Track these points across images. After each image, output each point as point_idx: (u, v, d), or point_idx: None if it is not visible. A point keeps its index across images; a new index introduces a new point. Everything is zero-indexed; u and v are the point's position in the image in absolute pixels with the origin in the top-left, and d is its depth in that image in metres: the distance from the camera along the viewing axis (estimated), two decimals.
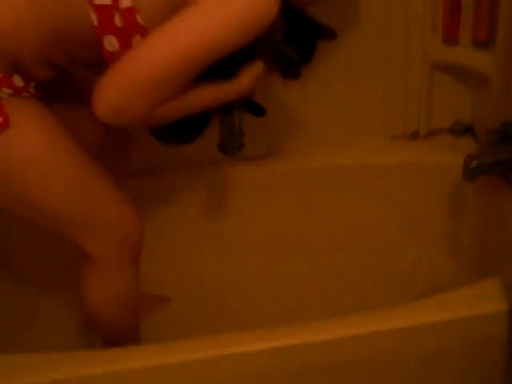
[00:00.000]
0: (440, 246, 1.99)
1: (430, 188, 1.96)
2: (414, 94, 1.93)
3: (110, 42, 1.18)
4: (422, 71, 1.89)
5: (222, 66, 1.23)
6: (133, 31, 1.17)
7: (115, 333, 1.52)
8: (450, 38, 1.83)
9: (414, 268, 1.99)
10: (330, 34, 1.55)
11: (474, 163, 1.65)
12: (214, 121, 1.48)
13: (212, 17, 1.14)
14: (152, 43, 1.16)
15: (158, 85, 1.17)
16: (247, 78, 1.30)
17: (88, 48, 1.20)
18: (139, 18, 1.17)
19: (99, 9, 1.15)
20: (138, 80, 1.15)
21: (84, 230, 1.34)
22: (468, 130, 1.97)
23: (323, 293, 1.91)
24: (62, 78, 1.36)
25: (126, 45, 1.18)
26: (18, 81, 1.20)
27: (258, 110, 1.53)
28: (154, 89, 1.17)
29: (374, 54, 1.88)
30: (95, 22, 1.16)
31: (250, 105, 1.51)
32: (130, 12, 1.15)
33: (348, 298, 1.87)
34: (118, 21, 1.16)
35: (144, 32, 1.17)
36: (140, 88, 1.16)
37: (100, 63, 1.21)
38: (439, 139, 1.99)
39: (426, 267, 1.99)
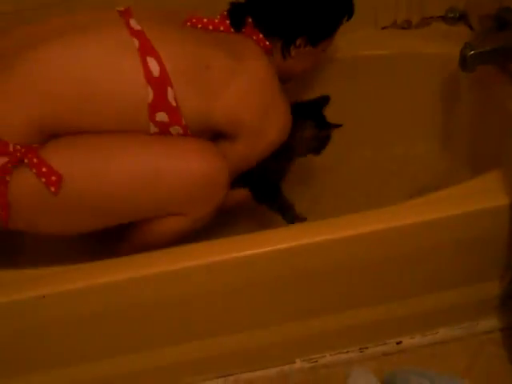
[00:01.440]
0: (433, 139, 1.96)
1: (424, 79, 1.89)
2: None
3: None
4: None
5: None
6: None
7: None
8: None
9: (405, 163, 1.97)
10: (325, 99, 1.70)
11: (472, 52, 1.58)
12: None
13: (255, 150, 1.52)
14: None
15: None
16: None
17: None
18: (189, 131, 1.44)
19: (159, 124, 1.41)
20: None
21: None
22: (462, 18, 1.88)
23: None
24: None
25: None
26: None
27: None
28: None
29: None
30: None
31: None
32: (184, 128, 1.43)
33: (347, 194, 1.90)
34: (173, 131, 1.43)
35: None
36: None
37: None
38: (432, 28, 1.92)
39: (418, 162, 1.97)
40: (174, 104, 1.38)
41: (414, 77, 1.89)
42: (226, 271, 1.38)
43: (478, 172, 1.51)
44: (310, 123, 1.64)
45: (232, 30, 1.51)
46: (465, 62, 1.60)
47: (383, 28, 1.93)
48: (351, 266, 1.44)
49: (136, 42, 1.37)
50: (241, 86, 1.44)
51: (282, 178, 1.71)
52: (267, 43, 1.53)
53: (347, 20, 1.60)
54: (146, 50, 1.36)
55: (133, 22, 1.40)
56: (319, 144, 1.67)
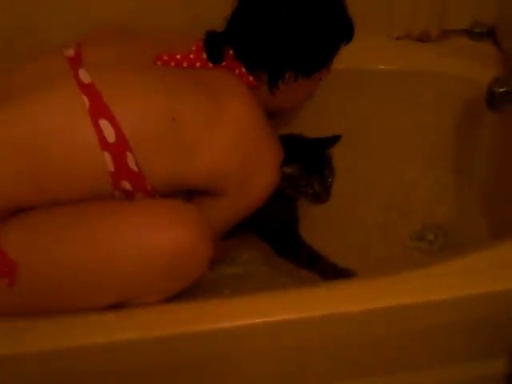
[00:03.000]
0: (444, 170, 1.72)
1: (439, 103, 1.65)
2: None
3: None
4: None
5: None
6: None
7: None
8: None
9: (411, 193, 1.73)
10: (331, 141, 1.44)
11: (502, 90, 1.34)
12: None
13: (244, 203, 1.32)
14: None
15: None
16: None
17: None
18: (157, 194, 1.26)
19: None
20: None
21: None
22: (489, 34, 1.62)
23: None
24: None
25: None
26: None
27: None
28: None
29: None
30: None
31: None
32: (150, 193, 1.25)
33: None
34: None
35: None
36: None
37: None
38: (453, 43, 1.65)
39: (425, 194, 1.73)
40: (135, 170, 1.17)
41: (428, 98, 1.65)
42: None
43: (492, 215, 1.31)
44: (298, 165, 1.37)
45: (210, 65, 1.26)
46: (493, 101, 1.35)
47: (397, 38, 1.66)
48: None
49: (86, 101, 1.15)
50: (219, 137, 1.21)
51: (294, 223, 1.48)
52: (251, 79, 1.29)
53: (346, 43, 1.35)
54: (98, 110, 1.15)
55: (82, 74, 1.18)
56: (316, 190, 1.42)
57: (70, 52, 1.24)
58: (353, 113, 1.67)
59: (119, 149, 1.15)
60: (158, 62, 1.24)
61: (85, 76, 1.18)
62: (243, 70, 1.29)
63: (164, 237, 1.16)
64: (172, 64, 1.24)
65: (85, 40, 1.29)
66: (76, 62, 1.21)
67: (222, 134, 1.21)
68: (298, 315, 1.19)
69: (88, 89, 1.16)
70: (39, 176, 1.17)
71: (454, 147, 1.69)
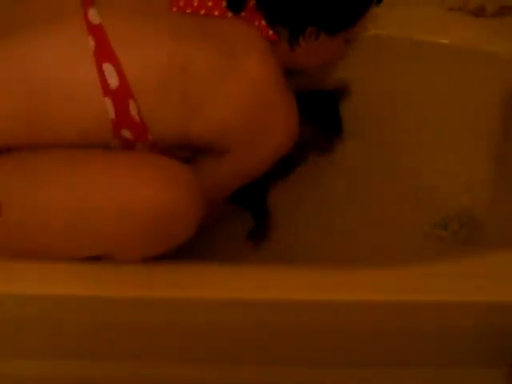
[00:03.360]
0: (482, 161, 1.58)
1: (488, 87, 1.51)
2: None
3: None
4: None
5: None
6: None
7: None
8: None
9: (440, 180, 1.61)
10: (342, 91, 1.50)
11: None
12: None
13: (252, 164, 1.24)
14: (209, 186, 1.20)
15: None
16: None
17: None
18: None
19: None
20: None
21: None
22: None
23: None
24: None
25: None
26: None
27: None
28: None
29: None
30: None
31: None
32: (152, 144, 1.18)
33: None
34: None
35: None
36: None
37: None
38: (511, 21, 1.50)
39: (459, 171, 1.61)
40: (137, 119, 1.10)
41: (474, 79, 1.51)
42: None
43: None
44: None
45: (229, 14, 1.17)
46: None
47: (450, 9, 1.52)
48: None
49: (92, 43, 1.08)
50: (229, 94, 1.13)
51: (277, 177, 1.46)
52: (271, 33, 1.19)
53: (376, 4, 1.24)
54: (103, 53, 1.08)
55: (92, 13, 1.11)
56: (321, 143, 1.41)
57: None
58: (390, 85, 1.55)
59: (121, 95, 1.09)
60: (174, 8, 1.15)
61: (94, 16, 1.11)
62: (263, 22, 1.18)
63: (147, 193, 1.09)
64: (188, 11, 1.15)
65: None
66: (88, 0, 1.14)
67: (233, 90, 1.13)
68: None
69: (96, 30, 1.09)
70: (37, 114, 1.12)
71: (493, 134, 1.54)
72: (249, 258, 1.47)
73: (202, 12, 1.16)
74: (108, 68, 1.08)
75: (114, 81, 1.08)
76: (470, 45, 1.49)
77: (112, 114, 1.10)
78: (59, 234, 1.12)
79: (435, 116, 1.58)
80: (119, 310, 1.16)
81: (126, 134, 1.13)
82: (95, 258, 1.15)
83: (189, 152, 1.24)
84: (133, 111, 1.10)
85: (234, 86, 1.13)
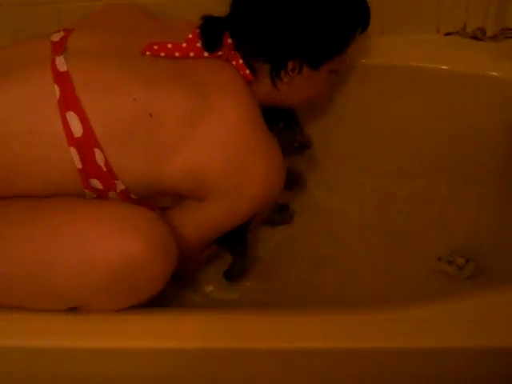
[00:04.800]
0: (488, 191, 1.52)
1: (488, 110, 1.45)
2: None
3: None
4: None
5: None
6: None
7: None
8: None
9: (447, 210, 1.54)
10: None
11: None
12: None
13: (234, 211, 1.19)
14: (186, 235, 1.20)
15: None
16: None
17: None
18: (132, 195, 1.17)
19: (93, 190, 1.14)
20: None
21: None
22: None
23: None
24: None
25: None
26: None
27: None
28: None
29: None
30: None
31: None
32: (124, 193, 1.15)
33: None
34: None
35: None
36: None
37: None
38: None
39: (467, 202, 1.54)
40: (104, 169, 1.07)
41: (477, 105, 1.45)
42: None
43: None
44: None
45: (205, 53, 1.13)
46: None
47: (447, 34, 1.46)
48: None
49: (57, 91, 1.05)
50: (200, 137, 1.09)
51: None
52: (248, 72, 1.15)
53: (361, 32, 1.19)
54: (67, 101, 1.05)
55: (59, 61, 1.08)
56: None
57: (58, 36, 1.14)
58: (391, 113, 1.50)
59: (86, 144, 1.06)
60: (147, 53, 1.12)
61: (61, 63, 1.08)
62: (240, 61, 1.15)
63: (111, 244, 1.05)
64: (162, 54, 1.12)
65: (80, 23, 1.20)
66: (58, 48, 1.11)
67: (206, 133, 1.09)
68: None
69: (61, 78, 1.07)
70: (7, 168, 1.09)
71: (500, 162, 1.48)
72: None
73: (177, 55, 1.13)
74: (71, 116, 1.05)
75: (77, 129, 1.05)
76: (471, 70, 1.43)
77: (79, 164, 1.07)
78: (26, 287, 1.09)
79: (437, 145, 1.52)
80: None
81: (96, 183, 1.10)
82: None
83: (168, 201, 1.20)
84: (99, 160, 1.07)
85: (207, 128, 1.09)
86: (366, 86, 1.46)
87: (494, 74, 1.42)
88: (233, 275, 1.43)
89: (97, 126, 1.06)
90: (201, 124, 1.08)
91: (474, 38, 1.45)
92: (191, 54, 1.13)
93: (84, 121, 1.05)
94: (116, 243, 1.05)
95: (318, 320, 1.10)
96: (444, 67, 1.45)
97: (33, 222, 1.08)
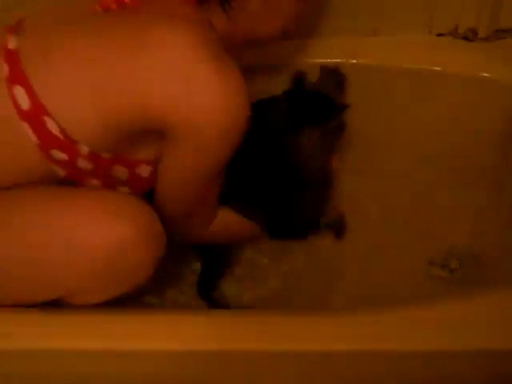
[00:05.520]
0: (483, 190, 1.50)
1: (481, 112, 1.44)
2: None
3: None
4: None
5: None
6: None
7: None
8: None
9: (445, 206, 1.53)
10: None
11: None
12: None
13: (203, 147, 1.08)
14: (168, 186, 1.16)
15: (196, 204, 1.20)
16: None
17: None
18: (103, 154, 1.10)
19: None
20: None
21: None
22: None
23: None
24: None
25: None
26: None
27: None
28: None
29: None
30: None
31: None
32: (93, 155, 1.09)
33: None
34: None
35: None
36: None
37: None
38: (504, 45, 1.44)
39: (460, 205, 1.52)
40: (60, 137, 1.03)
41: (469, 107, 1.44)
42: None
43: None
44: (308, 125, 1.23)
45: None
46: None
47: (438, 35, 1.46)
48: None
49: (6, 68, 1.04)
50: (148, 69, 1.02)
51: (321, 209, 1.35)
52: None
53: None
54: (14, 77, 1.03)
55: (11, 40, 1.06)
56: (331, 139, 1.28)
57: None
58: (381, 116, 1.48)
59: (35, 115, 1.03)
60: (98, 8, 1.09)
61: (13, 42, 1.07)
62: None
63: (99, 229, 1.04)
64: (113, 6, 1.09)
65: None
66: (13, 28, 1.10)
67: (148, 67, 1.02)
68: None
69: (10, 55, 1.05)
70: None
71: (493, 163, 1.47)
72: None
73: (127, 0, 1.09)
74: (18, 90, 1.03)
75: (24, 102, 1.03)
76: (463, 71, 1.43)
77: (34, 138, 1.04)
78: (11, 279, 1.07)
79: (430, 147, 1.50)
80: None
81: (59, 154, 1.06)
82: (52, 304, 1.10)
83: (145, 153, 1.13)
84: (53, 129, 1.03)
85: (151, 61, 1.02)
86: (356, 86, 1.44)
87: (486, 75, 1.42)
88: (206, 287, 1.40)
89: (44, 94, 1.03)
90: (144, 58, 1.03)
91: (466, 39, 1.44)
92: None
93: (30, 92, 1.02)
94: (104, 228, 1.04)
95: (311, 321, 1.08)
96: (436, 68, 1.44)
97: (12, 210, 1.07)
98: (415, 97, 1.46)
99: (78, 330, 1.08)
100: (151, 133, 1.07)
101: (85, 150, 1.06)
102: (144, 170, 1.13)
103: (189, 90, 1.02)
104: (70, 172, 1.09)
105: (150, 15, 1.07)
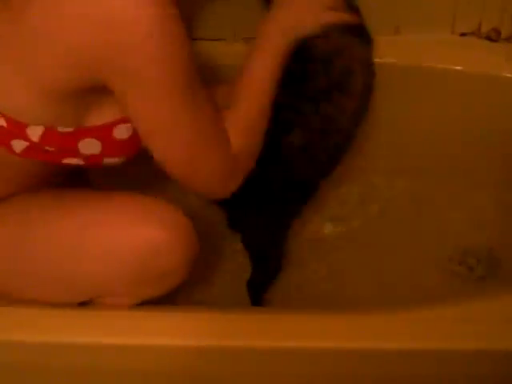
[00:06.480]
0: (495, 190, 1.52)
1: (502, 113, 1.44)
2: None
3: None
4: None
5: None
6: None
7: None
8: None
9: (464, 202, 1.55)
10: None
11: None
12: None
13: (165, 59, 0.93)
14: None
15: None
16: None
17: None
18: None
19: None
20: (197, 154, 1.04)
21: None
22: None
23: None
24: None
25: None
26: None
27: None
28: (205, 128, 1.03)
29: None
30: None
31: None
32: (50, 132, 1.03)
33: None
34: None
35: None
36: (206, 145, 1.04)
37: None
38: None
39: (479, 204, 1.54)
40: (8, 126, 1.00)
41: (490, 107, 1.44)
42: None
43: None
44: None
45: None
46: None
47: (462, 35, 1.46)
48: None
49: None
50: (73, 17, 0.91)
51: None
52: None
53: None
54: None
55: None
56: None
57: None
58: (401, 115, 1.48)
59: None
60: None
61: None
62: None
63: (135, 233, 1.06)
64: None
65: None
66: None
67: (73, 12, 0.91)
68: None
69: None
70: None
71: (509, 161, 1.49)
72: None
73: None
74: None
75: None
76: (485, 71, 1.43)
77: None
78: (46, 280, 1.10)
79: (450, 146, 1.51)
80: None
81: (19, 144, 1.02)
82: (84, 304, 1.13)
83: (108, 114, 1.03)
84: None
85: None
86: (377, 85, 1.45)
87: (508, 75, 1.42)
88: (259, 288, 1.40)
89: None
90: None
91: (489, 39, 1.45)
92: None
93: None
94: (140, 232, 1.05)
95: (319, 319, 1.09)
96: (457, 68, 1.44)
97: (51, 214, 1.10)
98: (435, 96, 1.46)
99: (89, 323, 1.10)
100: (101, 92, 0.98)
101: (38, 131, 1.02)
102: (120, 132, 1.05)
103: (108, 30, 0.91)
104: (41, 157, 1.05)
105: None
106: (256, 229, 1.36)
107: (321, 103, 1.22)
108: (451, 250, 1.45)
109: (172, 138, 1.00)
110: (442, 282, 1.42)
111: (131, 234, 1.06)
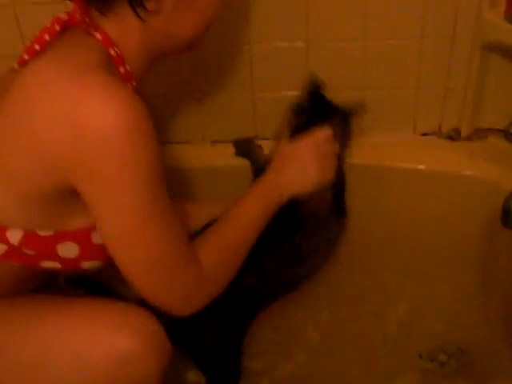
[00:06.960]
0: (461, 288, 1.52)
1: (466, 209, 1.47)
2: (459, 80, 1.42)
3: None
4: (472, 52, 1.39)
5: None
6: None
7: None
8: None
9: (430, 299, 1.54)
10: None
11: None
12: None
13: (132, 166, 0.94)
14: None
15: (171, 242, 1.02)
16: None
17: None
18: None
19: None
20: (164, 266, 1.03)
21: None
22: None
23: None
24: None
25: None
26: None
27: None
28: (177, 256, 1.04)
29: (409, 21, 1.38)
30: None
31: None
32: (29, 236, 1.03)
33: None
34: None
35: None
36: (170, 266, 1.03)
37: None
38: (486, 144, 1.49)
39: (446, 298, 1.53)
40: None
41: (454, 204, 1.48)
42: None
43: None
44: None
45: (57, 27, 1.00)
46: (507, 218, 1.20)
47: (423, 135, 1.52)
48: None
49: None
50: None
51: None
52: (87, 20, 1.00)
53: None
54: None
55: None
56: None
57: None
58: (370, 212, 1.50)
59: None
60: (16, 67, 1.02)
61: None
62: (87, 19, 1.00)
63: (105, 342, 1.03)
64: (26, 57, 1.00)
65: None
66: None
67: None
68: None
69: None
70: None
71: (477, 257, 1.50)
72: None
73: (37, 47, 0.99)
74: None
75: None
76: (447, 169, 1.47)
77: None
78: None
79: (417, 243, 1.53)
80: None
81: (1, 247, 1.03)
82: None
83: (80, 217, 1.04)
84: None
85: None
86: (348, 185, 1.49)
87: (469, 173, 1.46)
88: None
89: None
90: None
91: (450, 138, 1.50)
92: (46, 37, 0.99)
93: None
94: (110, 340, 1.03)
95: None
96: (420, 167, 1.48)
97: (22, 324, 1.07)
98: (399, 194, 1.50)
99: None
100: (79, 196, 0.98)
101: (18, 235, 1.02)
102: (97, 236, 1.04)
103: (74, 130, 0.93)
104: (19, 260, 1.05)
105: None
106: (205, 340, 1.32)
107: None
108: (421, 347, 1.44)
109: (134, 245, 0.99)
110: (413, 378, 1.40)
111: (101, 343, 1.03)
